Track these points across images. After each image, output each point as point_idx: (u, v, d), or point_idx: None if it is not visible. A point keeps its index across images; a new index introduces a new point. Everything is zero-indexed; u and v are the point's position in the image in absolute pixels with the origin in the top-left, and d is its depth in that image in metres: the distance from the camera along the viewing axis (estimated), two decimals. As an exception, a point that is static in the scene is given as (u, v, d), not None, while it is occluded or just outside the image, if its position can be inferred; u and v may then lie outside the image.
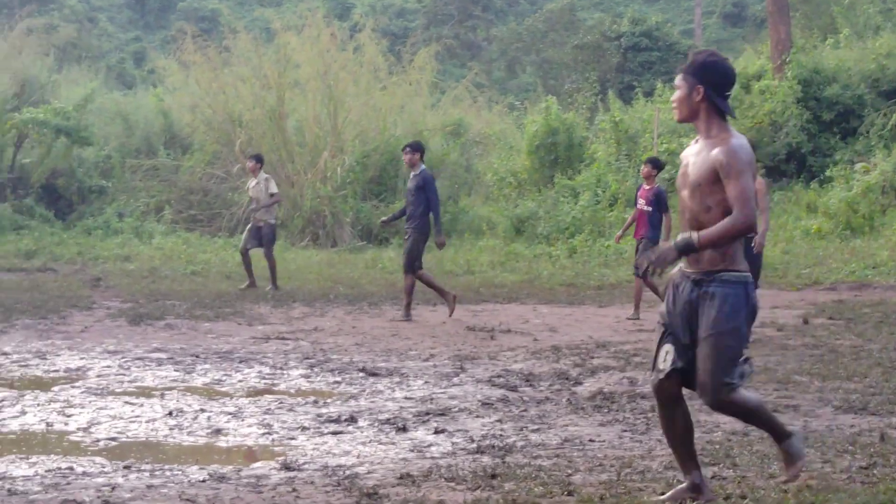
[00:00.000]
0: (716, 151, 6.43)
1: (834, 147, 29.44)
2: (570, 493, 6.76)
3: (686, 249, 6.39)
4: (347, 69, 30.95)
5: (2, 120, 30.35)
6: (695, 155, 6.58)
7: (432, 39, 44.97)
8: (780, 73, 30.86)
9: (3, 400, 10.30)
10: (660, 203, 16.40)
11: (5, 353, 12.91)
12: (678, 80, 6.64)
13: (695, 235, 6.36)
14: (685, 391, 6.59)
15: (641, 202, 16.51)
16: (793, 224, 26.22)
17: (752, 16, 60.57)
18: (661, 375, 6.52)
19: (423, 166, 16.63)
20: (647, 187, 16.56)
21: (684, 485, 6.58)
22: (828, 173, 27.92)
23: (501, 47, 57.79)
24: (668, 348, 6.55)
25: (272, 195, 19.94)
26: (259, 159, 20.33)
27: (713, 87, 6.52)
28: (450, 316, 16.29)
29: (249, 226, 20.03)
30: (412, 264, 16.38)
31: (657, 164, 16.96)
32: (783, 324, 15.39)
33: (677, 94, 6.64)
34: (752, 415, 6.60)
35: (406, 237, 16.60)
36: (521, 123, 35.38)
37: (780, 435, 6.65)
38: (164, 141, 33.10)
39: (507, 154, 32.59)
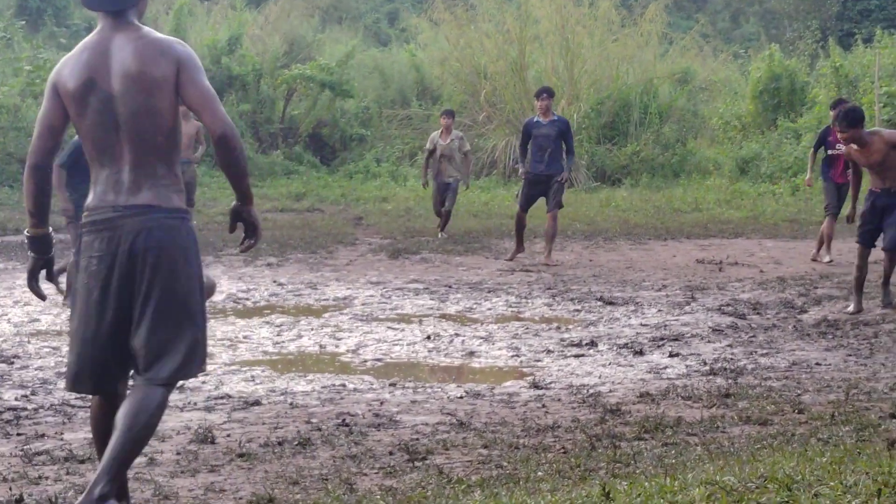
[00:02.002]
0: None
1: None
2: (800, 412, 6.65)
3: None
4: (583, 23, 30.70)
5: (273, 76, 31.15)
6: None
7: (661, -7, 44.17)
8: None
9: (281, 325, 10.64)
10: None
11: (281, 284, 13.30)
12: None
13: None
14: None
15: (841, 147, 15.71)
16: None
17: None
18: None
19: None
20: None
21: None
22: None
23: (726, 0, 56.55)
24: None
25: (466, 154, 18.38)
26: (453, 115, 18.89)
27: None
28: (507, 259, 15.57)
29: (437, 182, 18.25)
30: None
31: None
32: None
33: None
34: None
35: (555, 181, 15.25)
36: (745, 70, 34.61)
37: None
38: (416, 93, 33.40)
39: (731, 99, 31.93)
